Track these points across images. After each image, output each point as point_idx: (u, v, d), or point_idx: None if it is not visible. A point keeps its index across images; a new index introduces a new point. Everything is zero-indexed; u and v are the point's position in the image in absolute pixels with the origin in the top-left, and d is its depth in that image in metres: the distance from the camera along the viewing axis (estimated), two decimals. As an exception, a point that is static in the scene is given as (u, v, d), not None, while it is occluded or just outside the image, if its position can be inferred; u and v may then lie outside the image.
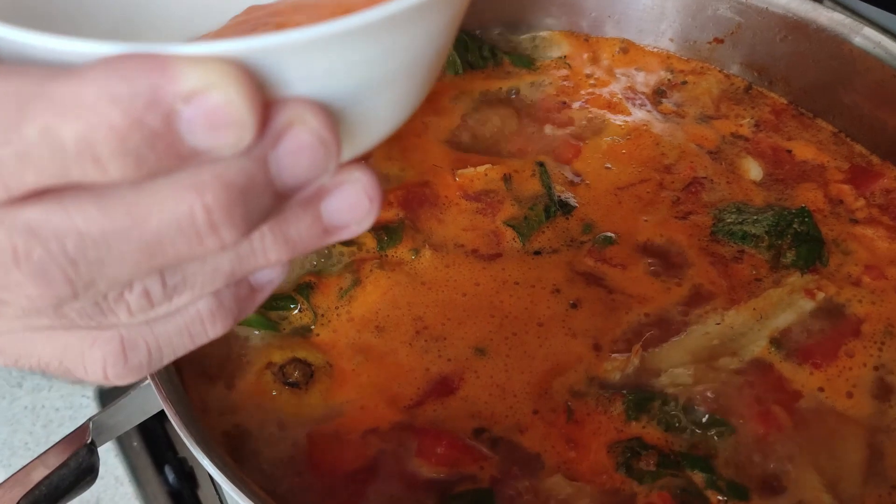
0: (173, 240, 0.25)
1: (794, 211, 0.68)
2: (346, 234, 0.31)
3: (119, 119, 0.23)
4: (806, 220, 0.68)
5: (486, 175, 0.72)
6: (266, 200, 0.26)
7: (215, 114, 0.23)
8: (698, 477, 0.55)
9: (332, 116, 0.26)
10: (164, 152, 0.24)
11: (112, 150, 0.23)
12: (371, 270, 0.64)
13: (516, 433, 0.57)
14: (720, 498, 0.54)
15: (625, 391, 0.58)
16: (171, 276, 0.28)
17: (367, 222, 0.30)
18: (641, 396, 0.58)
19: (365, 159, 0.32)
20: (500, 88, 0.79)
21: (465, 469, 0.55)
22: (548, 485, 0.55)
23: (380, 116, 0.30)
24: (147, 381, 0.52)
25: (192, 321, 0.30)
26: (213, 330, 0.31)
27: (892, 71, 0.70)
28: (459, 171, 0.71)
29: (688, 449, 0.56)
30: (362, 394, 0.58)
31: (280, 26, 0.31)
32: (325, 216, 0.30)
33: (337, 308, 0.62)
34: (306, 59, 0.25)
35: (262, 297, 0.33)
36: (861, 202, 0.71)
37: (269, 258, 0.30)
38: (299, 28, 0.24)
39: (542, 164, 0.71)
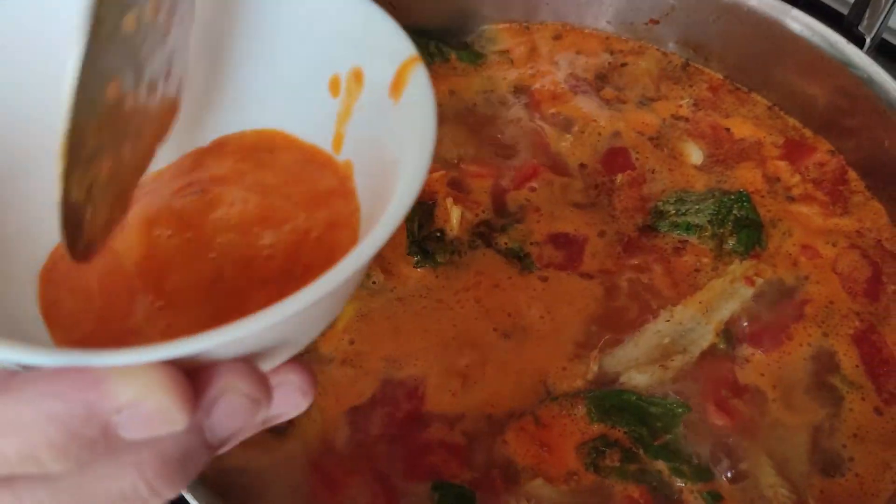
0: None
1: (733, 196, 0.71)
2: (282, 420, 0.34)
3: (57, 436, 0.25)
4: (745, 204, 0.71)
5: (437, 181, 0.73)
6: (203, 457, 0.29)
7: (150, 418, 0.26)
8: (661, 466, 0.59)
9: (261, 374, 0.29)
10: (102, 451, 0.26)
11: (52, 458, 0.25)
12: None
13: (492, 440, 0.61)
14: (683, 483, 0.58)
15: (584, 394, 0.62)
16: None
17: (304, 409, 0.34)
18: (601, 395, 0.62)
19: None
20: (452, 91, 0.80)
21: (448, 475, 0.59)
22: (528, 489, 0.59)
23: (306, 339, 0.33)
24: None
25: None
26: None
27: (820, 51, 0.73)
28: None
29: (650, 441, 0.60)
30: (340, 420, 0.61)
31: (212, 202, 0.33)
32: (268, 413, 0.33)
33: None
34: (231, 346, 0.27)
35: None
36: (797, 178, 0.75)
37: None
38: (219, 330, 0.26)
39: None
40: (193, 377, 0.27)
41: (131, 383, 0.25)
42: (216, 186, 0.37)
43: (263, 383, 0.29)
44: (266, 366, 0.31)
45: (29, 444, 0.25)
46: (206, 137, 0.41)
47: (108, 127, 0.30)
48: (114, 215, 0.33)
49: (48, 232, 0.32)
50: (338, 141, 0.40)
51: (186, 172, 0.39)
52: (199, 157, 0.40)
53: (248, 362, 0.28)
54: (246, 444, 0.59)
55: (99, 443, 0.26)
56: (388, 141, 0.36)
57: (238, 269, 0.35)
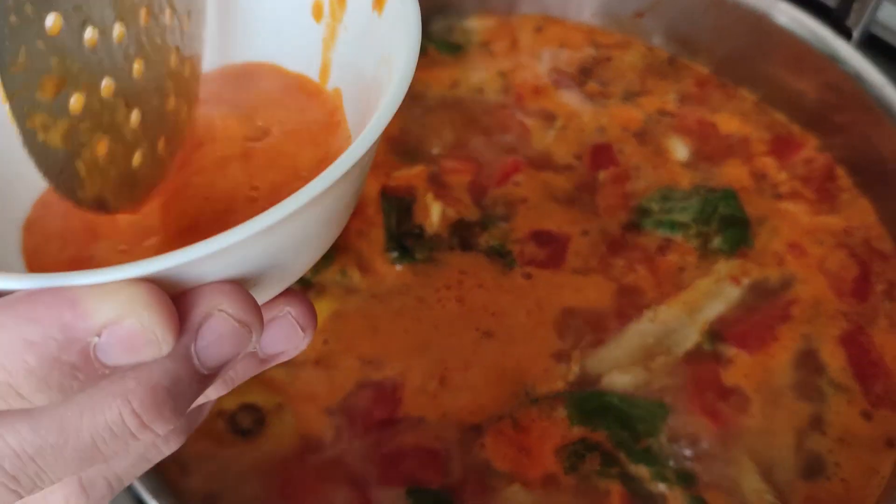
0: (107, 443, 0.26)
1: (719, 193, 0.70)
2: (283, 359, 0.32)
3: (35, 362, 0.23)
4: (731, 201, 0.69)
5: (418, 176, 0.72)
6: (194, 388, 0.27)
7: (131, 339, 0.24)
8: (643, 470, 0.58)
9: (249, 296, 0.27)
10: (85, 378, 0.24)
11: (34, 388, 0.24)
12: (313, 300, 0.64)
13: (470, 444, 0.59)
14: (666, 488, 0.57)
15: (565, 395, 0.60)
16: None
17: (303, 347, 0.32)
18: (581, 398, 0.60)
19: None
20: (430, 84, 0.79)
21: (424, 480, 0.57)
22: (506, 494, 0.57)
23: (299, 266, 0.31)
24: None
25: (147, 449, 0.32)
26: (167, 449, 0.33)
27: (807, 45, 0.71)
28: (395, 173, 0.71)
29: (633, 444, 0.59)
30: (314, 423, 0.59)
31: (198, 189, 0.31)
32: (260, 351, 0.31)
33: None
34: (215, 261, 0.25)
35: (207, 410, 0.36)
36: (784, 175, 0.73)
37: (209, 396, 0.31)
38: (202, 244, 0.24)
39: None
40: (178, 302, 0.26)
41: (109, 302, 0.23)
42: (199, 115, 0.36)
43: (252, 305, 0.27)
44: (259, 297, 0.29)
45: (7, 374, 0.23)
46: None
47: (68, 66, 0.28)
48: (158, 157, 0.32)
49: (31, 182, 0.31)
50: (324, 69, 0.39)
51: None
52: None
53: (234, 283, 0.27)
54: (213, 445, 0.57)
55: (80, 370, 0.24)
56: (375, 58, 0.34)
57: (218, 213, 0.34)
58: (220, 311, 0.26)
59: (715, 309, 0.65)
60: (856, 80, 0.69)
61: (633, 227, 0.69)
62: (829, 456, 0.59)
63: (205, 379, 0.27)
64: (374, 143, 0.27)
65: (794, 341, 0.64)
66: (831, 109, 0.72)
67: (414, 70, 0.31)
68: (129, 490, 0.61)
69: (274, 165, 0.36)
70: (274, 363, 0.32)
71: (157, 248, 0.33)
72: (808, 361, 0.63)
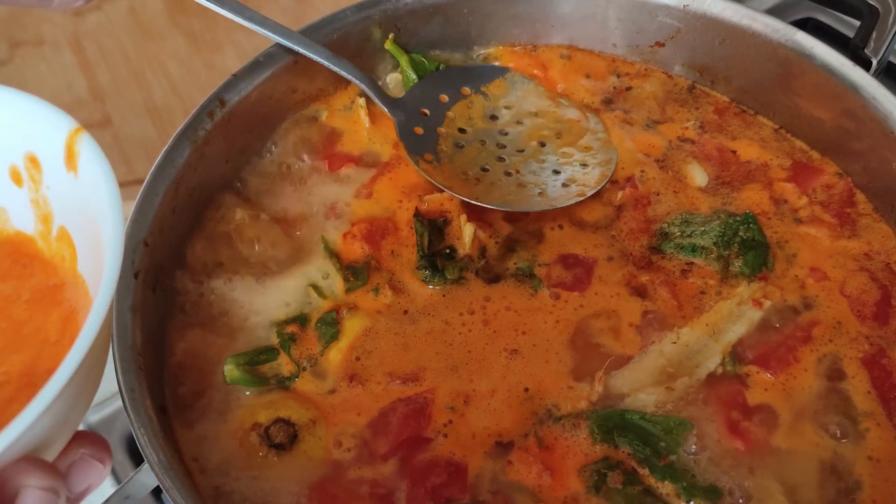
0: None
1: (739, 218, 0.71)
2: (91, 492, 0.37)
3: None
4: (751, 225, 0.71)
5: (451, 200, 0.73)
6: None
7: None
8: (669, 487, 0.59)
9: (47, 465, 0.31)
10: None
11: None
12: (346, 318, 0.66)
13: (496, 461, 0.60)
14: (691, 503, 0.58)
15: (587, 414, 0.61)
16: None
17: (106, 475, 0.37)
18: (603, 416, 0.61)
19: None
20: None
21: (452, 497, 0.59)
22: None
23: (78, 414, 0.36)
24: (146, 466, 0.55)
25: None
26: None
27: (825, 74, 0.73)
28: (427, 197, 0.74)
29: (656, 461, 0.60)
30: (346, 439, 0.61)
31: None
32: (69, 493, 0.35)
33: (318, 357, 0.65)
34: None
35: None
36: (804, 200, 0.74)
37: None
38: None
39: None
40: None
41: None
42: None
43: (52, 471, 0.31)
44: (51, 454, 0.34)
45: None
46: None
47: None
48: None
49: None
50: (47, 224, 0.44)
51: None
52: None
53: (30, 458, 0.31)
54: (246, 458, 0.59)
55: None
56: (88, 212, 0.39)
57: None
58: (26, 486, 0.30)
59: (737, 331, 0.66)
60: (874, 107, 0.70)
61: (655, 250, 0.71)
62: (856, 478, 0.59)
63: None
64: (110, 305, 0.31)
65: (816, 363, 0.65)
66: (850, 136, 0.73)
67: (122, 235, 0.35)
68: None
69: (18, 342, 0.40)
70: (83, 499, 0.36)
71: None
72: (832, 383, 0.64)
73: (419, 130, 0.77)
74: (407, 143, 0.75)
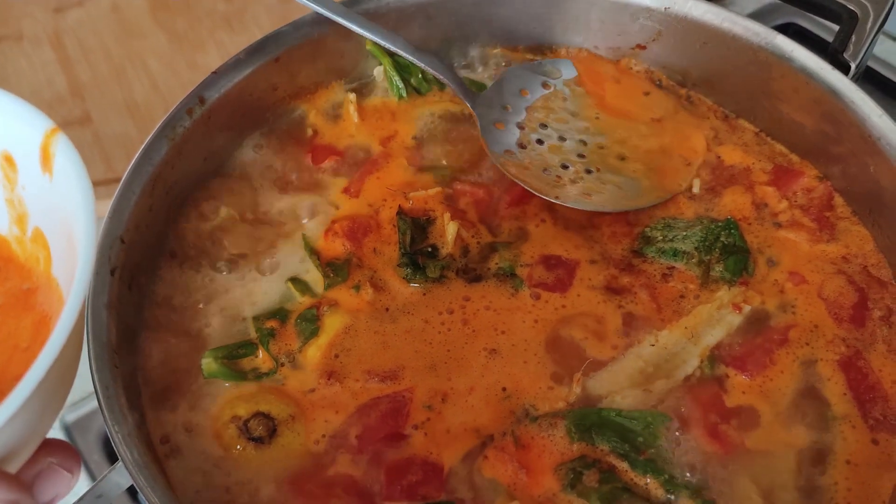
0: None
1: (720, 223, 0.71)
2: (58, 501, 0.36)
3: None
4: (732, 231, 0.71)
5: (435, 198, 0.73)
6: None
7: None
8: (651, 481, 0.59)
9: (11, 477, 0.32)
10: None
11: None
12: (326, 315, 0.66)
13: (472, 460, 0.60)
14: (673, 496, 0.58)
15: (564, 413, 0.61)
16: None
17: (74, 485, 0.37)
18: (581, 414, 0.61)
19: None
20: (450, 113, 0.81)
21: (427, 495, 0.58)
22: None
23: (46, 423, 0.36)
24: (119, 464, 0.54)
25: None
26: None
27: (804, 78, 0.73)
28: (412, 195, 0.73)
29: (636, 456, 0.60)
30: (320, 434, 0.61)
31: None
32: (37, 503, 0.35)
33: (297, 353, 0.65)
34: None
35: None
36: (784, 204, 0.74)
37: None
38: None
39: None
40: None
41: None
42: None
43: (15, 483, 0.31)
44: (17, 464, 0.34)
45: None
46: None
47: None
48: None
49: None
50: (21, 225, 0.43)
51: None
52: None
53: None
54: (223, 450, 0.58)
55: None
56: (60, 214, 0.39)
57: None
58: None
59: (716, 335, 0.66)
60: (853, 111, 0.71)
61: (637, 254, 0.71)
62: (830, 479, 0.60)
63: None
64: (81, 311, 0.31)
65: (793, 365, 0.65)
66: (830, 140, 0.74)
67: (94, 240, 0.35)
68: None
69: None
70: None
71: None
72: (808, 385, 0.64)
73: (500, 126, 0.76)
74: (488, 140, 0.75)
